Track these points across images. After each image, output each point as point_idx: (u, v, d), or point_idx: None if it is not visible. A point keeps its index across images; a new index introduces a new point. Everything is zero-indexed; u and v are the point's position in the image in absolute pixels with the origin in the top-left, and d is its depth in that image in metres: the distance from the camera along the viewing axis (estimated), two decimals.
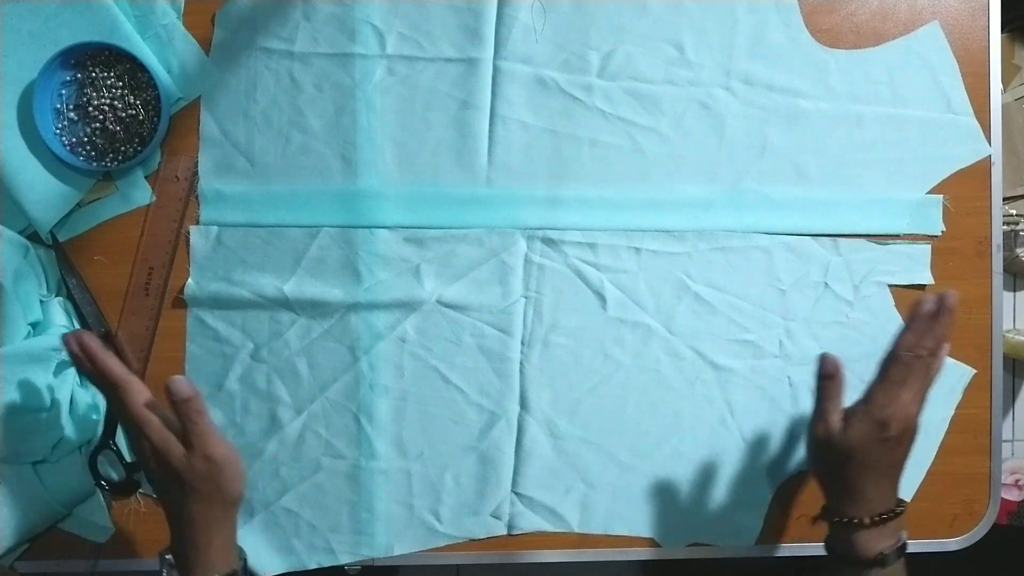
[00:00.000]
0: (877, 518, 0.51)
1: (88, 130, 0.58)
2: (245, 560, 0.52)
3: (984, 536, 0.64)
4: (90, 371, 0.49)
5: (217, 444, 0.48)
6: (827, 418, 0.53)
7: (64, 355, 0.55)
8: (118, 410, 0.49)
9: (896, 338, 0.52)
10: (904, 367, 0.51)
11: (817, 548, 0.63)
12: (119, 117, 0.58)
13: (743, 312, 0.62)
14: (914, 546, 0.63)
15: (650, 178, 0.61)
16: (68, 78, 0.58)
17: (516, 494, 0.61)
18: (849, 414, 0.53)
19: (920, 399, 0.52)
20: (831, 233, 0.62)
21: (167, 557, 0.49)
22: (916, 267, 0.63)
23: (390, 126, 0.60)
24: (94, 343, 0.49)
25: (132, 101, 0.58)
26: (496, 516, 0.61)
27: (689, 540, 0.63)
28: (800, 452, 0.63)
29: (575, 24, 0.60)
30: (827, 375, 0.54)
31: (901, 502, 0.52)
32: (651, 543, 0.62)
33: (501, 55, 0.60)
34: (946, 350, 0.54)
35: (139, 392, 0.48)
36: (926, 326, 0.52)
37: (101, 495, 0.59)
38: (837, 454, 0.52)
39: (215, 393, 0.60)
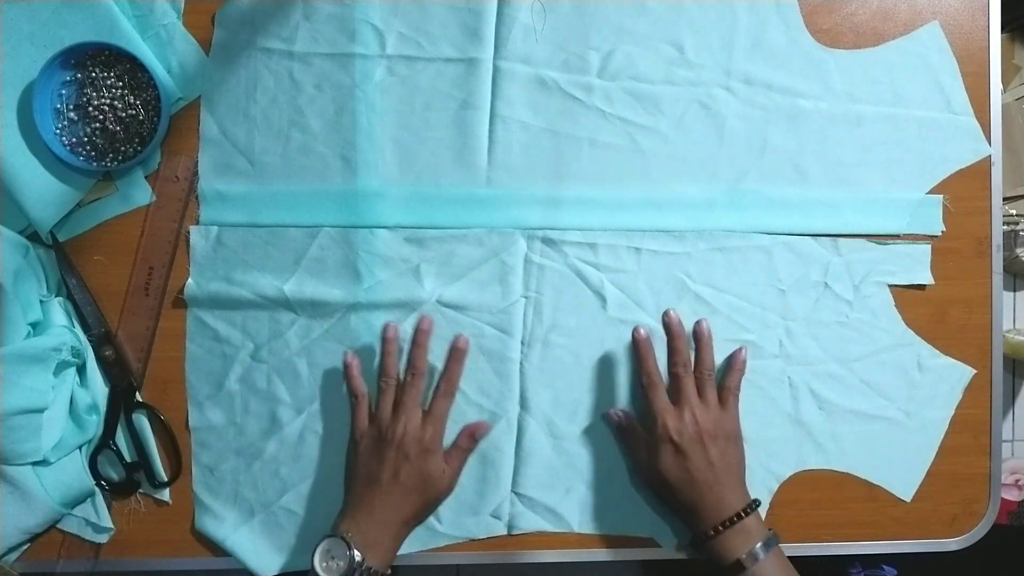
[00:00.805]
0: (720, 526, 0.53)
1: (88, 130, 0.58)
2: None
3: (984, 536, 0.64)
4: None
5: (457, 475, 0.58)
6: (636, 456, 0.58)
7: (64, 355, 0.55)
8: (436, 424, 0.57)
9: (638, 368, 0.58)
10: (652, 387, 0.56)
11: (817, 548, 0.63)
12: (119, 117, 0.58)
13: (743, 312, 0.62)
14: (914, 546, 0.64)
15: (650, 178, 0.61)
16: (68, 78, 0.58)
17: (516, 494, 0.61)
18: (646, 446, 0.57)
19: (709, 406, 0.56)
20: (831, 233, 0.62)
21: (348, 535, 0.53)
22: (916, 267, 0.63)
23: (390, 126, 0.60)
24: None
25: (132, 101, 0.58)
26: (496, 516, 0.61)
27: (689, 540, 0.63)
28: (801, 452, 0.63)
29: (575, 24, 0.60)
30: (616, 427, 0.60)
31: (750, 503, 0.55)
32: (651, 543, 0.62)
33: (501, 55, 0.60)
34: (738, 355, 0.60)
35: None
36: (648, 348, 0.58)
37: (101, 495, 0.59)
38: (654, 483, 0.57)
39: (215, 393, 0.60)
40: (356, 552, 0.51)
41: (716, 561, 0.54)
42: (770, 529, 0.55)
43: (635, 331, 0.58)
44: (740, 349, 0.60)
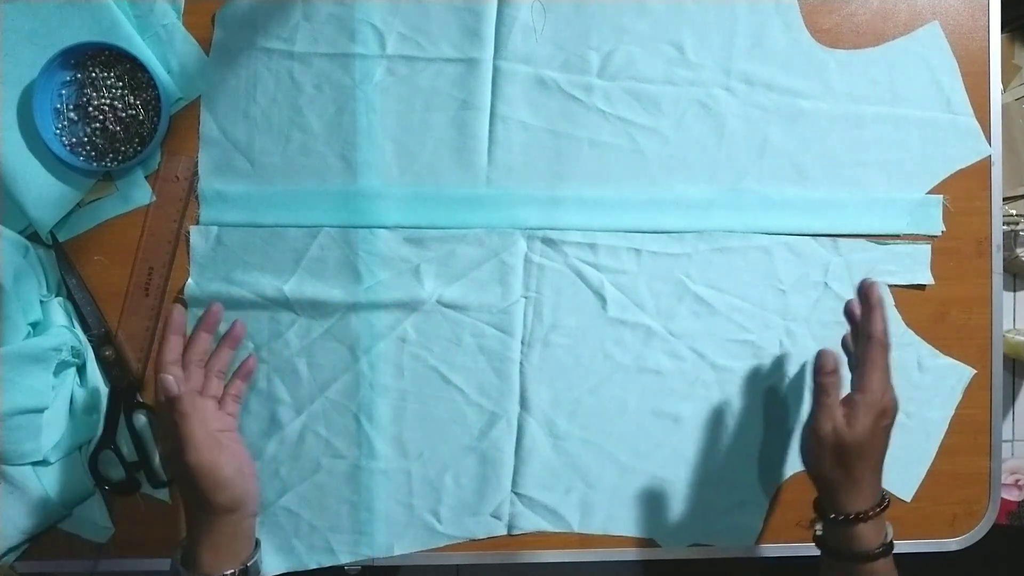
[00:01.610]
0: (877, 509, 0.51)
1: (88, 130, 0.58)
2: (246, 568, 0.51)
3: (984, 536, 0.65)
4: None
5: (193, 451, 0.48)
6: (833, 414, 0.52)
7: (64, 355, 0.56)
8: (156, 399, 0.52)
9: (868, 325, 0.53)
10: (885, 350, 0.52)
11: (817, 548, 0.63)
12: (119, 117, 0.58)
13: (743, 312, 0.62)
14: (914, 546, 0.64)
15: (650, 178, 0.61)
16: (68, 78, 0.58)
17: (516, 494, 0.61)
18: (851, 407, 0.52)
19: (892, 386, 0.53)
20: (831, 233, 0.62)
21: (180, 547, 0.51)
22: (916, 267, 0.63)
23: (390, 126, 0.60)
24: (176, 320, 0.53)
25: (132, 101, 0.58)
26: (496, 516, 0.61)
27: (689, 540, 0.63)
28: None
29: (575, 24, 0.60)
30: (830, 370, 0.53)
31: (886, 495, 0.53)
32: (651, 543, 0.62)
33: (501, 55, 0.60)
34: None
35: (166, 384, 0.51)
36: (883, 311, 0.53)
37: (101, 495, 0.59)
38: (847, 449, 0.51)
39: None
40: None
41: (851, 545, 0.51)
42: (890, 524, 0.53)
43: (871, 287, 0.53)
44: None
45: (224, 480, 0.49)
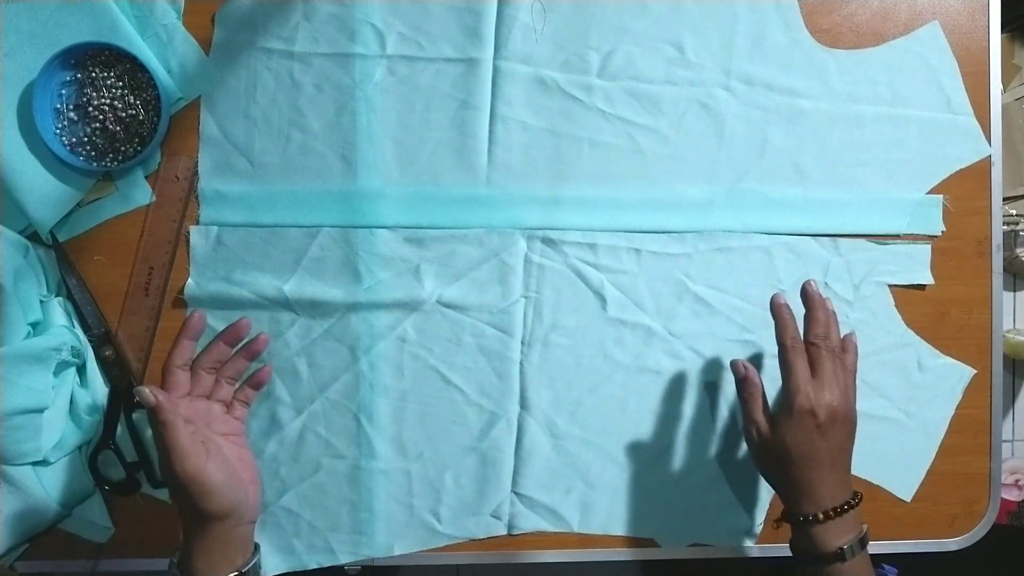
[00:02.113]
0: (832, 512, 0.51)
1: (88, 130, 0.58)
2: (241, 574, 0.51)
3: (984, 536, 0.64)
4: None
5: (177, 460, 0.47)
6: (754, 418, 0.54)
7: (64, 355, 0.56)
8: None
9: (776, 334, 0.54)
10: (795, 353, 0.52)
11: None
12: (119, 117, 0.58)
13: (743, 312, 0.62)
14: (914, 546, 0.64)
15: (650, 178, 0.61)
16: (68, 78, 0.58)
17: (516, 494, 0.61)
18: (775, 412, 0.54)
19: (840, 386, 0.52)
20: (831, 233, 0.62)
21: (173, 560, 0.50)
22: (916, 267, 0.63)
23: (390, 126, 0.60)
24: (193, 326, 0.53)
25: (132, 101, 0.58)
26: (496, 516, 0.61)
27: (689, 540, 0.63)
28: None
29: (575, 24, 0.60)
30: (740, 378, 0.56)
31: (856, 494, 0.53)
32: (651, 543, 0.62)
33: (501, 55, 0.60)
34: (851, 338, 0.57)
35: (171, 389, 0.51)
36: (789, 315, 0.54)
37: (101, 495, 0.59)
38: (774, 454, 0.53)
39: None
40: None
41: (810, 548, 0.51)
42: (865, 524, 0.53)
43: (774, 297, 0.54)
44: (852, 332, 0.58)
45: (212, 488, 0.48)
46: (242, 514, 0.51)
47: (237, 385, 0.56)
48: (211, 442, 0.51)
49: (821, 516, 0.51)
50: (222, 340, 0.55)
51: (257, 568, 0.53)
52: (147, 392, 0.48)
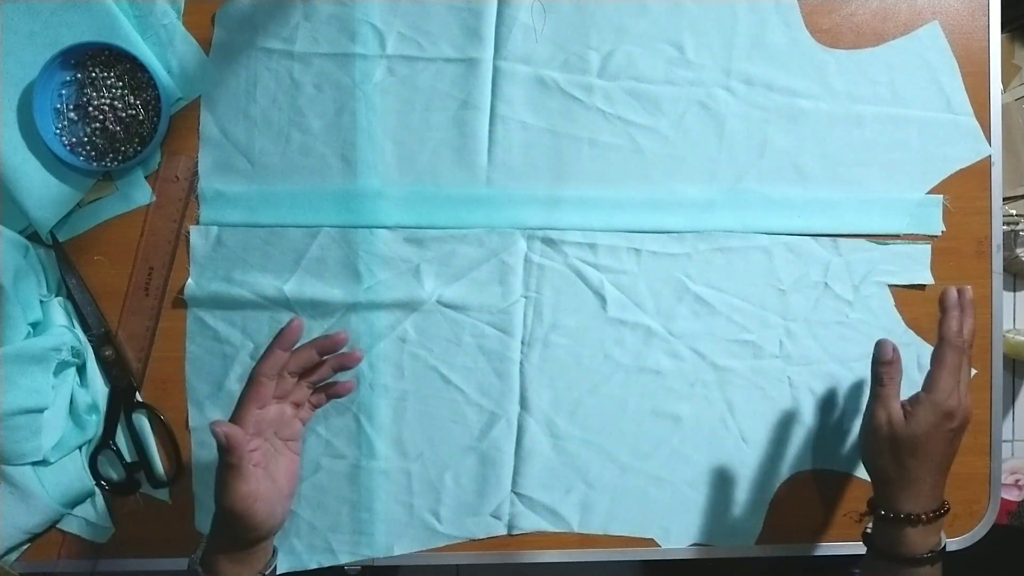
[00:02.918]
0: (930, 515, 0.50)
1: (88, 130, 0.58)
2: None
3: (984, 536, 0.64)
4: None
5: (228, 498, 0.46)
6: (889, 405, 0.51)
7: (64, 355, 0.56)
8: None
9: (940, 328, 0.51)
10: (958, 352, 0.51)
11: (817, 548, 0.63)
12: (119, 117, 0.58)
13: (743, 312, 0.62)
14: None
15: (650, 178, 0.61)
16: (68, 78, 0.58)
17: (516, 494, 0.61)
18: (913, 403, 0.51)
19: (969, 388, 0.51)
20: (831, 233, 0.62)
21: (195, 558, 0.49)
22: (916, 267, 0.63)
23: (390, 126, 0.60)
24: (289, 337, 0.48)
25: (132, 101, 0.58)
26: (496, 516, 0.61)
27: (689, 540, 0.63)
28: (800, 452, 0.63)
29: (575, 24, 0.60)
30: (887, 360, 0.52)
31: (945, 502, 0.52)
32: (651, 543, 0.62)
33: (501, 55, 0.60)
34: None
35: (252, 400, 0.48)
36: (960, 315, 0.52)
37: (101, 495, 0.59)
38: (900, 444, 0.50)
39: (215, 393, 0.60)
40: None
41: (898, 547, 0.50)
42: (944, 532, 0.52)
43: (950, 292, 0.52)
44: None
45: (256, 524, 0.47)
46: (275, 532, 0.50)
47: (312, 390, 0.52)
48: (269, 457, 0.49)
49: (924, 517, 0.50)
50: (316, 348, 0.50)
51: (276, 569, 0.52)
52: (219, 433, 0.45)
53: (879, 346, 0.53)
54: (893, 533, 0.51)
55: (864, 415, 0.54)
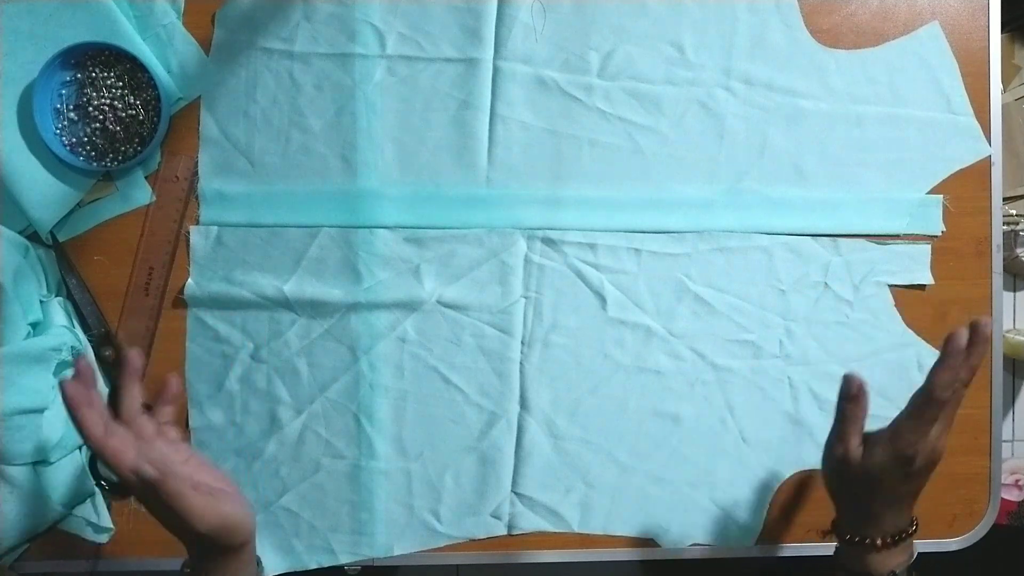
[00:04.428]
0: (890, 540, 0.49)
1: (88, 130, 0.58)
2: None
3: (984, 536, 0.64)
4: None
5: (199, 520, 0.43)
6: (846, 441, 0.50)
7: (64, 355, 0.55)
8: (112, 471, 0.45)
9: (931, 374, 0.47)
10: (937, 407, 0.47)
11: (816, 548, 0.63)
12: (119, 117, 0.58)
13: (743, 312, 0.62)
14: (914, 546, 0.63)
15: (650, 178, 0.61)
16: (68, 78, 0.58)
17: (516, 494, 0.61)
18: (872, 442, 0.49)
19: (949, 428, 0.49)
20: (831, 233, 0.62)
21: (186, 571, 0.48)
22: (916, 267, 0.63)
23: (390, 126, 0.60)
24: (75, 393, 0.43)
25: (132, 101, 0.58)
26: (496, 516, 0.61)
27: (689, 540, 0.63)
28: (800, 452, 0.63)
29: (575, 24, 0.60)
30: (851, 397, 0.50)
31: (914, 521, 0.51)
32: (651, 543, 0.62)
33: (501, 55, 0.60)
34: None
35: (118, 453, 0.43)
36: (962, 360, 0.47)
37: (101, 495, 0.59)
38: (854, 478, 0.50)
39: (215, 393, 0.60)
40: None
41: (860, 568, 0.50)
42: (915, 550, 0.51)
43: (958, 336, 0.47)
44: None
45: (236, 524, 0.45)
46: (254, 532, 0.48)
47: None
48: (191, 481, 0.45)
49: (880, 543, 0.49)
50: (125, 378, 0.47)
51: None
52: (149, 470, 0.42)
53: (845, 380, 0.50)
54: (855, 555, 0.51)
55: (825, 444, 0.52)
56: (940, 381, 0.46)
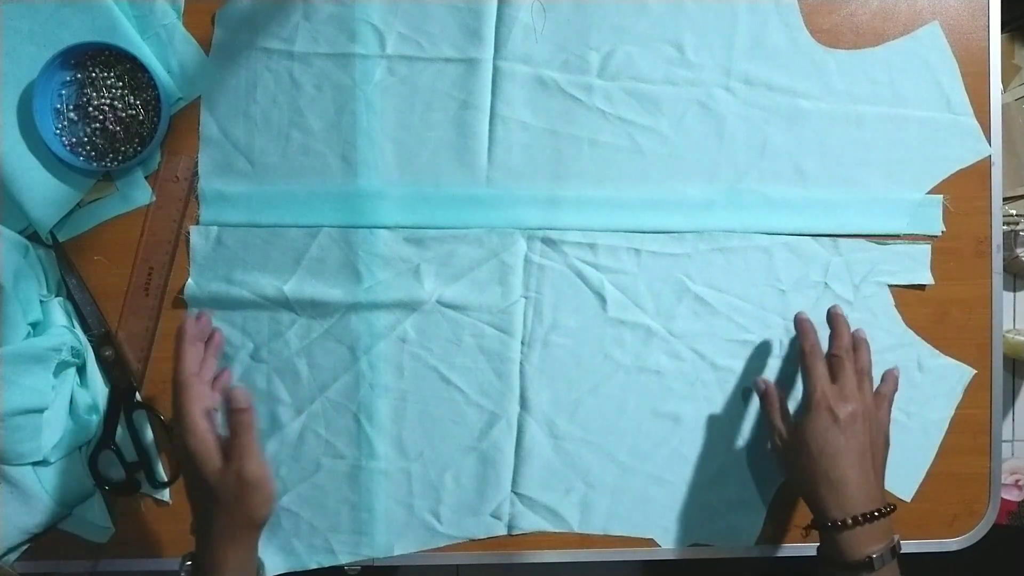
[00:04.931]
0: (860, 518, 0.50)
1: (88, 130, 0.58)
2: None
3: (984, 536, 0.64)
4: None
5: (255, 464, 0.47)
6: (774, 424, 0.56)
7: (64, 355, 0.55)
8: (175, 408, 0.49)
9: (797, 345, 0.57)
10: (815, 357, 0.55)
11: (815, 549, 0.63)
12: (119, 117, 0.58)
13: (743, 312, 0.62)
14: (914, 546, 0.64)
15: (650, 178, 0.61)
16: (68, 78, 0.58)
17: (516, 494, 0.61)
18: (795, 414, 0.56)
19: (862, 396, 0.54)
20: (831, 233, 0.62)
21: (187, 564, 0.49)
22: (916, 267, 0.63)
23: (390, 126, 0.60)
24: (192, 331, 0.53)
25: (132, 101, 0.58)
26: (496, 516, 0.61)
27: (689, 540, 0.63)
28: None
29: (575, 24, 0.60)
30: (761, 393, 0.58)
31: (888, 504, 0.52)
32: (651, 543, 0.62)
33: (501, 55, 0.60)
34: (893, 372, 0.58)
35: (198, 397, 0.49)
36: (811, 329, 0.57)
37: (101, 495, 0.59)
38: (797, 452, 0.53)
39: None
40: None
41: (837, 555, 0.51)
42: (896, 535, 0.52)
43: (797, 314, 0.58)
44: (895, 368, 0.59)
45: (271, 493, 0.48)
46: (267, 519, 0.50)
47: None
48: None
49: (849, 522, 0.50)
50: (197, 340, 0.55)
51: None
52: (243, 392, 0.47)
53: (753, 385, 0.60)
54: (830, 541, 0.51)
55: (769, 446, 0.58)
56: (804, 342, 0.56)
